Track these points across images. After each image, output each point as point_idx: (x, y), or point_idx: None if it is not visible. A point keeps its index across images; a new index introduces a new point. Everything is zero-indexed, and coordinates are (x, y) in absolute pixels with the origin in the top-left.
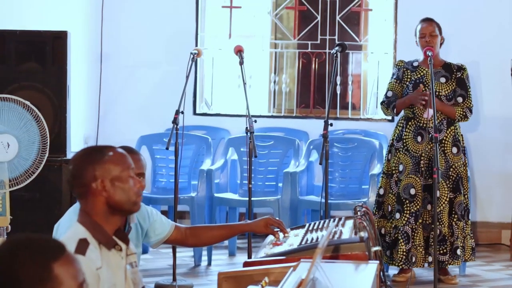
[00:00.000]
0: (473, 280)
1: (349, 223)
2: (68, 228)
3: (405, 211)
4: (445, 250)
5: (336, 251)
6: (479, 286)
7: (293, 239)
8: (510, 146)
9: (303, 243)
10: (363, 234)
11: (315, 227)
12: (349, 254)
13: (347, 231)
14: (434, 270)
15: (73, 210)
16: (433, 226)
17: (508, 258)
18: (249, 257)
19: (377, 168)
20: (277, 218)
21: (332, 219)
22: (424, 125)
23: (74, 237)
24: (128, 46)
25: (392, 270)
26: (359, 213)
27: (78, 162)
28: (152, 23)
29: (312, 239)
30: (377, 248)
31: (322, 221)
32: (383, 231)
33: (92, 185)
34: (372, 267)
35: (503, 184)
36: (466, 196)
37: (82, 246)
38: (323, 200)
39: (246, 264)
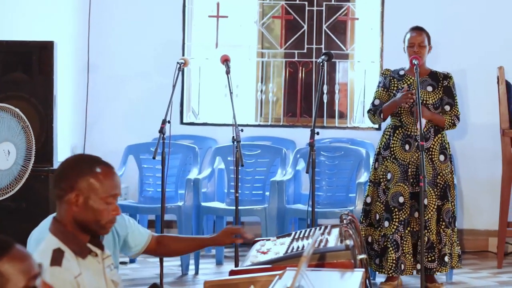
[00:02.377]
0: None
1: (335, 231)
2: (38, 241)
3: (394, 219)
4: (433, 257)
5: (321, 259)
6: None
7: (279, 247)
8: (497, 154)
9: (289, 251)
10: (349, 242)
11: (301, 236)
12: (335, 262)
13: (333, 239)
14: (421, 277)
15: (46, 223)
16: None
17: (495, 266)
18: (236, 265)
19: (364, 177)
20: (236, 226)
21: (318, 227)
22: (412, 133)
23: (48, 248)
24: (115, 56)
25: (379, 278)
26: (345, 221)
27: (66, 166)
28: (139, 33)
29: (298, 247)
30: (363, 256)
31: (308, 230)
32: (370, 239)
33: (68, 194)
34: (357, 275)
35: (490, 192)
36: (453, 203)
37: (57, 256)
38: (310, 209)
39: (232, 272)
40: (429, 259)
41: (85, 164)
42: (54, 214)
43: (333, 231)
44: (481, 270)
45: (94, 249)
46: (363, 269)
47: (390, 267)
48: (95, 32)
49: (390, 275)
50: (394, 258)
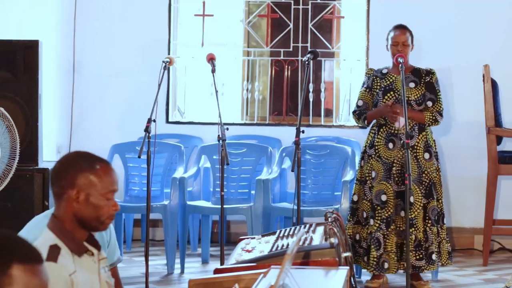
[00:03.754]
0: (446, 285)
1: (320, 229)
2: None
3: (377, 217)
4: (421, 256)
5: (306, 257)
6: None
7: (264, 245)
8: (482, 151)
9: (273, 249)
10: (334, 240)
11: (285, 234)
12: (320, 260)
13: (317, 237)
14: (406, 275)
15: (31, 225)
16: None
17: (481, 263)
18: (222, 264)
19: (349, 175)
20: None
21: (303, 226)
22: (396, 131)
23: (45, 243)
24: (101, 55)
25: (365, 276)
26: (329, 219)
27: (65, 163)
28: (124, 32)
29: (283, 245)
30: (348, 254)
31: (293, 228)
32: (358, 237)
33: (68, 191)
34: (342, 272)
35: (476, 189)
36: (440, 201)
37: (54, 252)
38: (296, 207)
39: (216, 271)
40: (417, 257)
41: (84, 161)
42: (39, 216)
43: (318, 229)
44: (466, 268)
45: (90, 248)
46: (348, 267)
47: (372, 264)
48: (80, 31)
49: (372, 272)
50: (375, 256)
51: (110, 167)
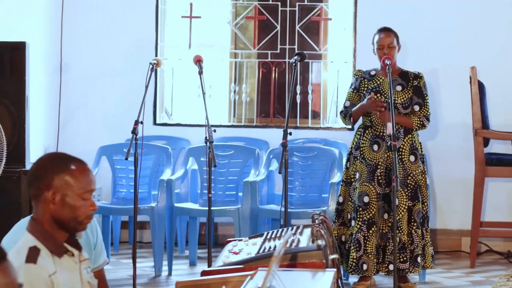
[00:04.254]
0: (433, 287)
1: (307, 231)
2: (9, 245)
3: (358, 219)
4: (405, 258)
5: (293, 259)
6: None
7: (251, 247)
8: (469, 153)
9: (260, 251)
10: (321, 242)
11: (273, 236)
12: (307, 262)
13: (304, 240)
14: (393, 278)
15: (16, 229)
16: (390, 235)
17: (468, 265)
18: (209, 266)
19: (337, 177)
20: None
21: (290, 228)
22: (381, 133)
23: (24, 246)
24: (88, 56)
25: (352, 278)
26: (316, 221)
27: (41, 164)
28: (112, 33)
29: (270, 247)
30: (335, 256)
31: (280, 230)
32: (343, 238)
33: (44, 192)
34: (329, 275)
35: (463, 192)
36: (425, 203)
37: (33, 254)
38: (283, 209)
39: (204, 273)
40: (401, 259)
41: (59, 162)
42: (25, 219)
43: (305, 231)
44: (454, 269)
45: (71, 248)
46: (335, 269)
47: (350, 265)
48: (67, 32)
49: (350, 273)
50: (355, 257)
51: (86, 167)
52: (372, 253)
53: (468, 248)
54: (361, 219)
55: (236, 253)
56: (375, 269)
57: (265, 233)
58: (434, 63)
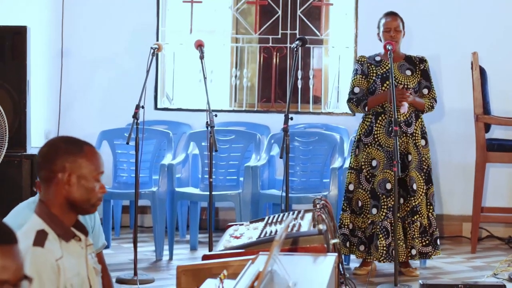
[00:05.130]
0: (434, 273)
1: (308, 216)
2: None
3: (383, 206)
4: (427, 242)
5: (294, 244)
6: (440, 279)
7: (252, 232)
8: (470, 138)
9: (262, 236)
10: (322, 226)
11: (274, 220)
12: (308, 246)
13: (306, 224)
14: (394, 263)
15: (16, 211)
16: (411, 219)
17: (469, 251)
18: (210, 250)
19: (338, 162)
20: None
21: (291, 212)
22: (392, 119)
23: (32, 229)
24: (89, 41)
25: (353, 263)
26: (318, 206)
27: (53, 147)
28: (113, 18)
29: (271, 232)
30: (336, 240)
31: (281, 214)
32: (351, 226)
33: (58, 175)
34: (330, 259)
35: (464, 177)
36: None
37: (41, 237)
38: (284, 194)
39: (205, 257)
40: (424, 243)
41: (72, 145)
42: (24, 202)
43: (306, 216)
44: (455, 255)
45: (78, 233)
46: (336, 254)
47: (381, 254)
48: (69, 17)
49: (381, 262)
50: (385, 244)
51: (95, 150)
52: (401, 239)
53: (469, 234)
54: (386, 206)
55: (237, 238)
56: (405, 254)
57: (266, 217)
58: (436, 49)
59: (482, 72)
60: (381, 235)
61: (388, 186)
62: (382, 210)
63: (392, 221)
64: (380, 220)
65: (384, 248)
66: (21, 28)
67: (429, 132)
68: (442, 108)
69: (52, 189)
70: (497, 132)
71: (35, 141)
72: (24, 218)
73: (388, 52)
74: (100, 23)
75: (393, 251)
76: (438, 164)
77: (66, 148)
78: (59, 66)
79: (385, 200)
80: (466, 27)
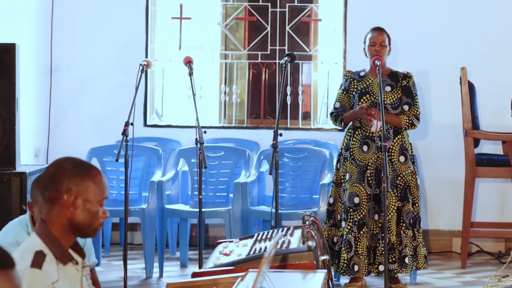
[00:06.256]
0: None
1: (298, 232)
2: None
3: (349, 220)
4: (393, 259)
5: (284, 261)
6: None
7: (242, 249)
8: (459, 153)
9: (251, 253)
10: (311, 243)
11: (263, 237)
12: (297, 263)
13: (295, 241)
14: (384, 279)
15: (7, 230)
16: (381, 236)
17: (459, 266)
18: (200, 268)
19: (327, 178)
20: None
21: (281, 229)
22: (370, 134)
23: (31, 249)
24: (78, 58)
25: (344, 279)
26: (307, 222)
27: (61, 168)
28: (102, 34)
29: (261, 248)
30: (325, 257)
31: (271, 231)
32: (335, 239)
33: (64, 196)
34: (320, 275)
35: (453, 192)
36: (416, 204)
37: (39, 259)
38: (274, 210)
39: (194, 274)
40: (390, 260)
41: (80, 167)
42: (13, 221)
43: (296, 232)
44: (445, 270)
45: (75, 256)
46: (326, 270)
47: (341, 266)
48: (58, 33)
49: (341, 275)
50: (346, 258)
51: (102, 174)
52: (363, 254)
53: (459, 249)
54: (351, 220)
55: (226, 255)
56: (366, 270)
57: (256, 234)
58: (424, 64)
59: (471, 87)
60: (343, 248)
61: (356, 200)
62: (348, 223)
63: (357, 236)
64: (346, 233)
65: (345, 261)
66: (10, 46)
67: (418, 147)
68: (431, 123)
69: (55, 209)
70: (486, 147)
71: (25, 159)
72: (15, 236)
73: (377, 68)
74: (89, 40)
75: (354, 265)
76: (427, 180)
77: (74, 170)
78: (48, 83)
79: (351, 213)
80: (454, 42)
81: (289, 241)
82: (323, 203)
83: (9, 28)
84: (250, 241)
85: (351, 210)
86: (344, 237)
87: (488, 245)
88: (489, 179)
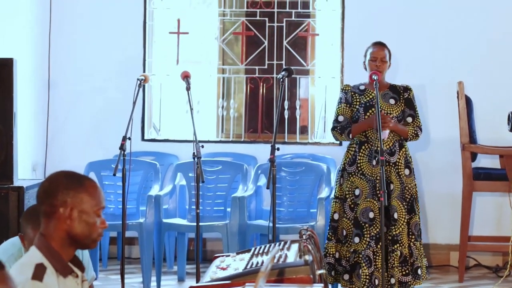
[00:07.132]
0: None
1: (295, 246)
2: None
3: (365, 235)
4: (407, 271)
5: (281, 275)
6: None
7: (239, 263)
8: (456, 167)
9: (248, 267)
10: (308, 257)
11: (260, 251)
12: (294, 277)
13: (292, 255)
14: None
15: (4, 247)
16: (391, 248)
17: (457, 280)
18: (198, 282)
19: (325, 192)
20: None
21: (278, 243)
22: (378, 148)
23: (31, 262)
24: (76, 72)
25: None
26: (304, 236)
27: (54, 182)
28: (99, 49)
29: (258, 263)
30: (322, 271)
31: (268, 245)
32: (338, 255)
33: (59, 209)
34: None
35: (451, 206)
36: (418, 216)
37: (40, 271)
38: (271, 225)
39: None
40: (403, 273)
41: (73, 180)
42: (8, 241)
43: (293, 247)
44: (442, 284)
45: (75, 269)
46: (322, 284)
47: (363, 283)
48: (55, 48)
49: None
50: (367, 273)
51: (97, 185)
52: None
53: (456, 263)
54: (368, 235)
55: (223, 269)
56: (386, 284)
57: (253, 248)
58: (421, 78)
59: (468, 101)
60: (363, 264)
61: (371, 215)
62: (365, 239)
63: (375, 250)
64: (363, 249)
65: (367, 277)
66: (8, 60)
67: (416, 161)
68: (429, 137)
69: (52, 223)
70: (484, 161)
71: (22, 173)
72: (7, 258)
73: (374, 83)
74: (86, 55)
75: (375, 280)
76: (425, 193)
77: (67, 182)
78: (45, 98)
79: (368, 228)
80: (451, 57)
81: (286, 255)
82: (321, 217)
83: (7, 43)
84: (247, 255)
85: (367, 225)
86: (363, 253)
87: (486, 259)
88: (486, 193)
